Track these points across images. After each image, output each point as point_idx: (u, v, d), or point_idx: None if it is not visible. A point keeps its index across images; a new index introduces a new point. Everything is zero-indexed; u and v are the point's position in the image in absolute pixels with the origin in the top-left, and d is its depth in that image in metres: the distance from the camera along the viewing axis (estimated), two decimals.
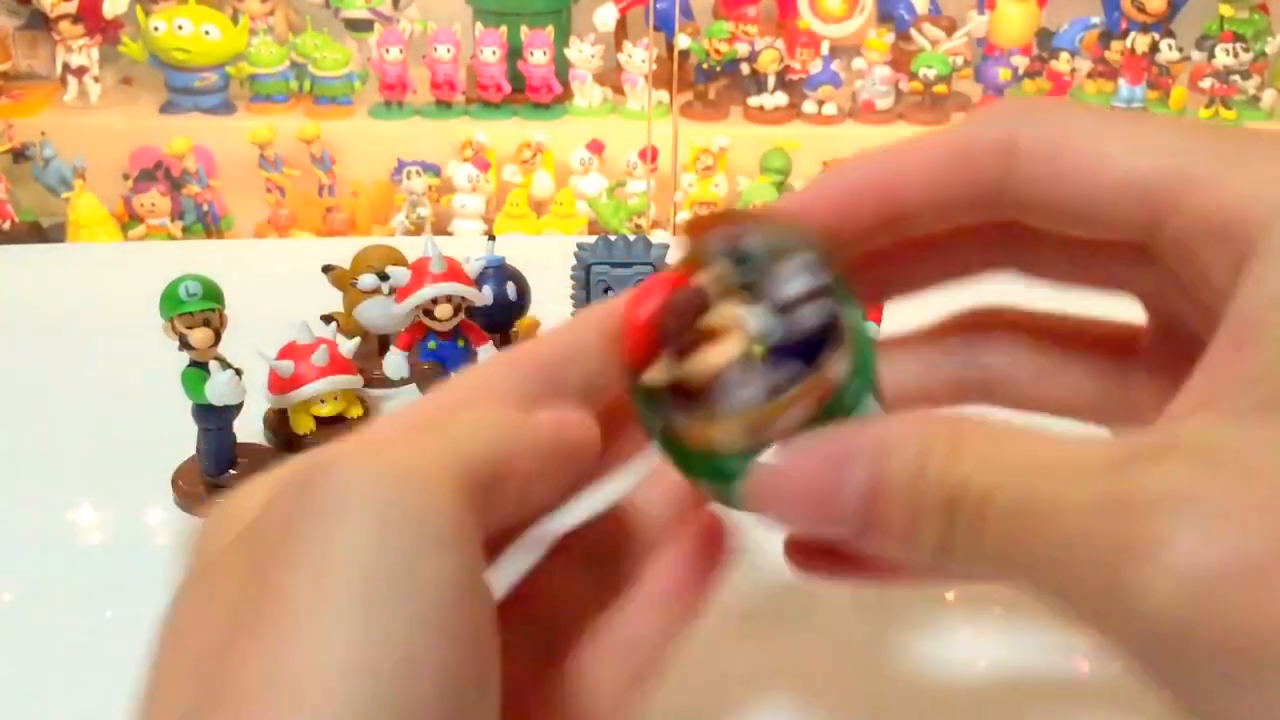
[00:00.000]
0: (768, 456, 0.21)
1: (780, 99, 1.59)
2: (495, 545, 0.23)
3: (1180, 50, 1.61)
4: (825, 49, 1.60)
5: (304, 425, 0.61)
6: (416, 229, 1.43)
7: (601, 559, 0.26)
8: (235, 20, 1.56)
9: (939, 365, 0.28)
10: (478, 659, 0.19)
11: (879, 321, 0.63)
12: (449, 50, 1.55)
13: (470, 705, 0.19)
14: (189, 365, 0.52)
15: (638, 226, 1.41)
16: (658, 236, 0.89)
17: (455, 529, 0.19)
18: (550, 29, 1.57)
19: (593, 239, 0.67)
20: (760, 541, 0.27)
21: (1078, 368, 0.27)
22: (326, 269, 0.69)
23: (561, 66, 1.59)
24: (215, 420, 0.54)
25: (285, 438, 0.61)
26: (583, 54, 1.58)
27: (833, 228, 0.24)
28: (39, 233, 1.47)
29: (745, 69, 1.59)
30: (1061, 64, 1.61)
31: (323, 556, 0.18)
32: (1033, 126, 0.22)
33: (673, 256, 0.67)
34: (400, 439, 0.21)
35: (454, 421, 0.21)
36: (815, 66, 1.59)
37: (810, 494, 0.20)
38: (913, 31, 1.64)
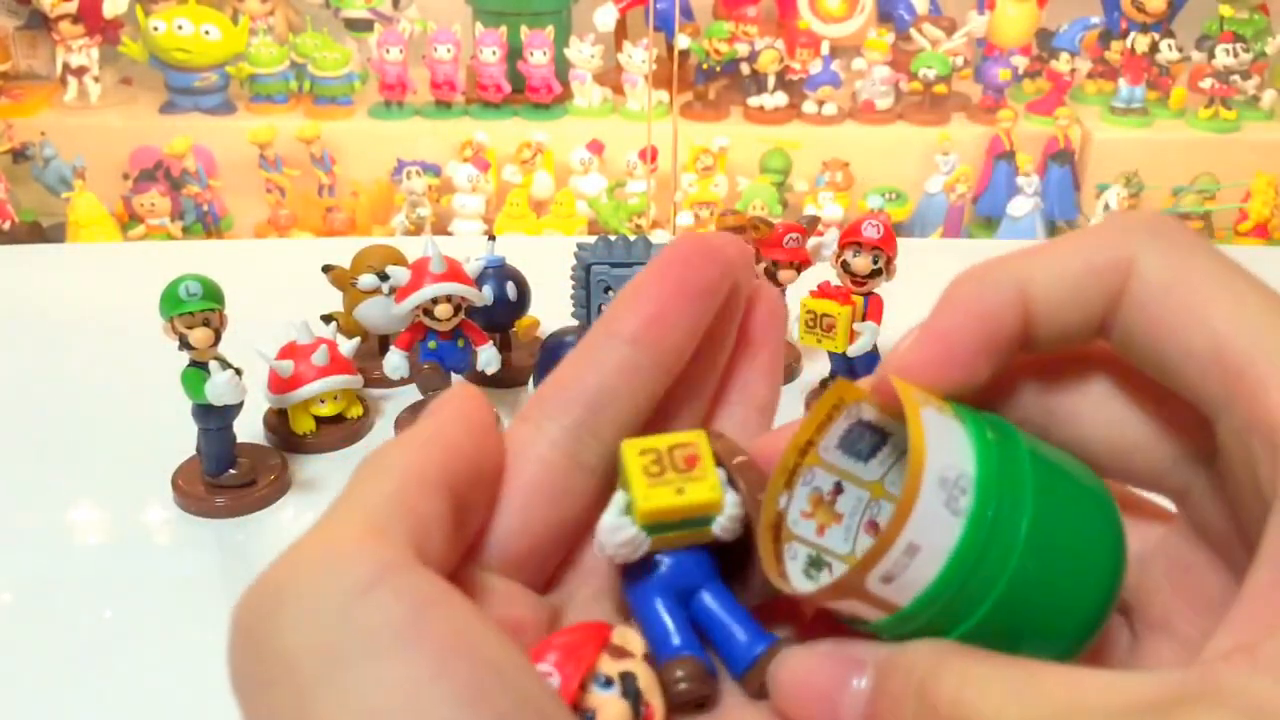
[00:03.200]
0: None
1: (780, 99, 1.59)
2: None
3: (1180, 50, 1.61)
4: (825, 49, 1.60)
5: (304, 425, 0.61)
6: (416, 229, 1.43)
7: None
8: (235, 20, 1.56)
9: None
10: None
11: (879, 321, 0.63)
12: (449, 50, 1.55)
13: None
14: (189, 365, 0.52)
15: (638, 226, 1.41)
16: (658, 236, 0.88)
17: (346, 554, 0.19)
18: (550, 29, 1.57)
19: (593, 239, 0.67)
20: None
21: (1155, 429, 0.23)
22: (326, 269, 0.69)
23: (561, 66, 1.59)
24: (215, 420, 0.54)
25: (285, 438, 0.61)
26: (583, 54, 1.58)
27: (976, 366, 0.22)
28: (39, 233, 1.47)
29: (745, 69, 1.59)
30: (1061, 64, 1.61)
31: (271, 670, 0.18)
32: (1154, 252, 0.21)
33: None
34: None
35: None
36: (815, 66, 1.59)
37: (815, 692, 0.21)
38: (913, 31, 1.64)
